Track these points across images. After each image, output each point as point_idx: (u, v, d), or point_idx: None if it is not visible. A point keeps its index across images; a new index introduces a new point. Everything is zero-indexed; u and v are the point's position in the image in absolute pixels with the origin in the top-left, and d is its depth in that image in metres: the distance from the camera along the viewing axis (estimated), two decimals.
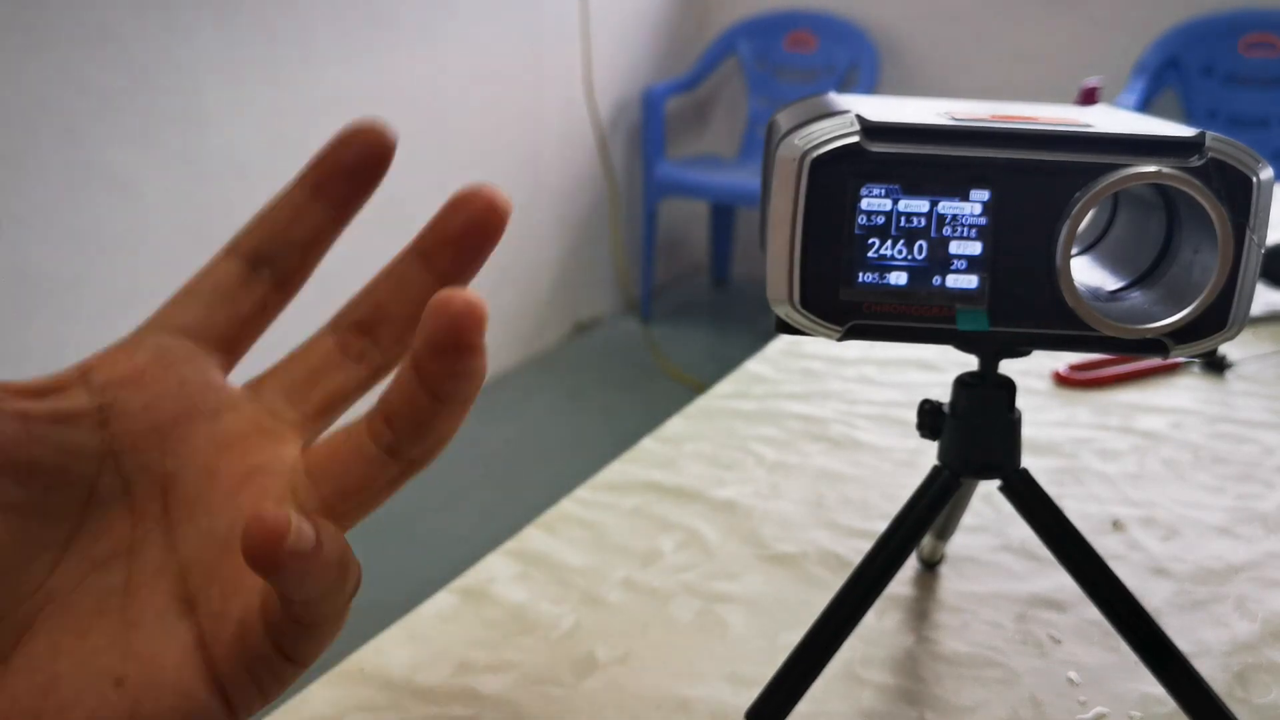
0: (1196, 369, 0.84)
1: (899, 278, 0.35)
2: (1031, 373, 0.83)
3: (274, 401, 0.29)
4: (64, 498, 0.25)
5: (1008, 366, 0.41)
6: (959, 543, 0.59)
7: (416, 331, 0.24)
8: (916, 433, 0.42)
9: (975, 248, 0.34)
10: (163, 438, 0.27)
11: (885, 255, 0.35)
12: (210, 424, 0.27)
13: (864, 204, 0.34)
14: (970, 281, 0.35)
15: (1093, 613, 0.42)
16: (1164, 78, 2.63)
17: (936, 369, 0.84)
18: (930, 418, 0.42)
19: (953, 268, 0.35)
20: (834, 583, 0.52)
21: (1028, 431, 0.58)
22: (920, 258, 0.34)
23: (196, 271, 0.31)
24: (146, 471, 0.26)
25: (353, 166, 0.29)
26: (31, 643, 0.24)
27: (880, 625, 0.52)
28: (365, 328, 0.30)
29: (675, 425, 0.74)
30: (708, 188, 3.00)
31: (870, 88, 2.91)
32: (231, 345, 0.30)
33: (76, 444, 0.25)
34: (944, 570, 0.57)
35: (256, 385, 0.30)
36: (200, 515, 0.26)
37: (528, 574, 0.56)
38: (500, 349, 2.72)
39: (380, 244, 2.07)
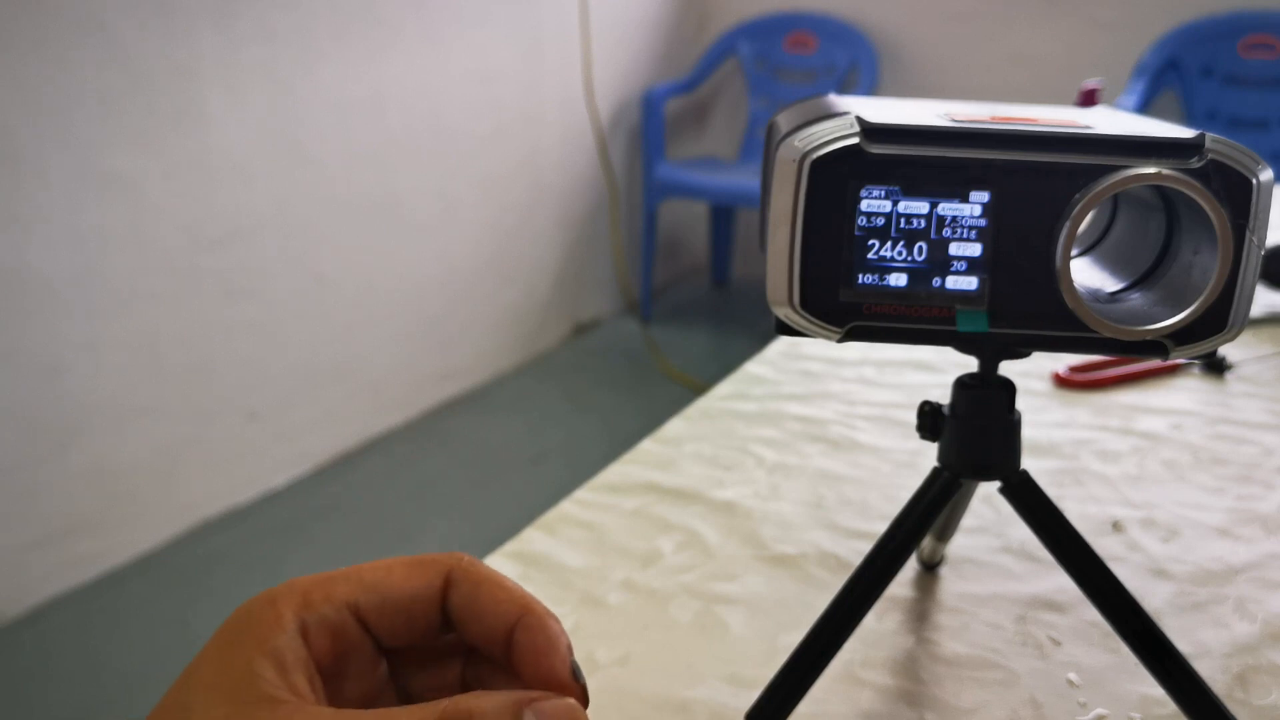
0: (1197, 370, 0.84)
1: (899, 279, 0.35)
2: (1031, 374, 0.83)
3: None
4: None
5: (1007, 368, 0.41)
6: (959, 544, 0.59)
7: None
8: (916, 434, 0.42)
9: (975, 249, 0.34)
10: None
11: (885, 256, 0.35)
12: None
13: (864, 205, 0.34)
14: (970, 283, 0.35)
15: (1092, 614, 0.42)
16: (1164, 79, 2.63)
17: (936, 370, 0.84)
18: (930, 419, 0.42)
19: (952, 269, 0.35)
20: (834, 584, 0.52)
21: (1027, 433, 0.58)
22: (920, 259, 0.34)
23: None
24: None
25: None
26: None
27: (880, 627, 0.52)
28: None
29: (675, 426, 0.74)
30: (708, 189, 3.00)
31: (870, 89, 2.91)
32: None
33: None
34: (944, 572, 0.57)
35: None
36: None
37: (528, 575, 0.56)
38: (500, 350, 2.72)
39: (380, 243, 2.09)
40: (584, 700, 0.28)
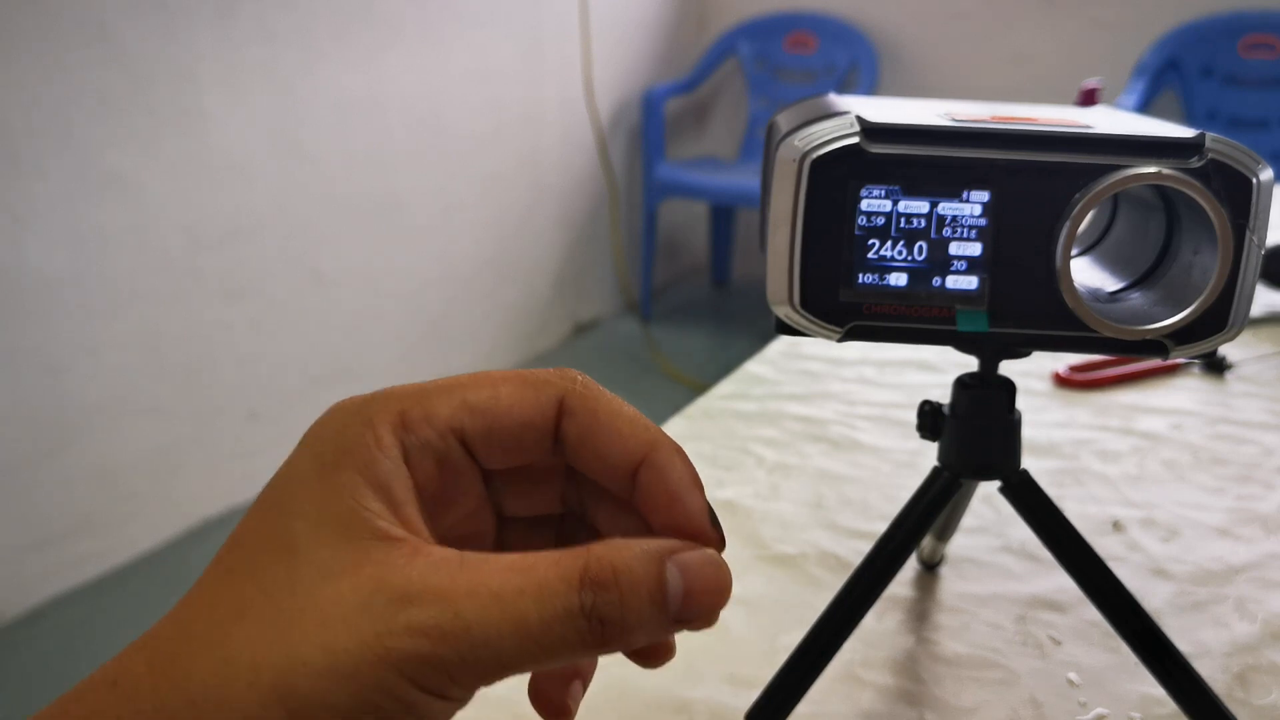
0: (1197, 370, 0.84)
1: (899, 279, 0.35)
2: (1031, 374, 0.83)
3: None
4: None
5: (1008, 367, 0.41)
6: (959, 544, 0.59)
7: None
8: (916, 434, 0.42)
9: (975, 249, 0.34)
10: None
11: (885, 256, 0.35)
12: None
13: (864, 205, 0.34)
14: (970, 282, 0.35)
15: (1093, 614, 0.42)
16: (1164, 79, 2.63)
17: (936, 370, 0.84)
18: (930, 419, 0.42)
19: (953, 269, 0.35)
20: (834, 584, 0.52)
21: (1028, 432, 0.58)
22: (920, 259, 0.34)
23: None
24: None
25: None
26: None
27: (880, 626, 0.52)
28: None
29: (675, 426, 0.74)
30: (708, 189, 3.00)
31: (870, 89, 2.91)
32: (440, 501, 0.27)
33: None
34: (944, 571, 0.57)
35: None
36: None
37: None
38: (500, 349, 2.72)
39: (380, 243, 2.09)
40: (720, 547, 0.26)
